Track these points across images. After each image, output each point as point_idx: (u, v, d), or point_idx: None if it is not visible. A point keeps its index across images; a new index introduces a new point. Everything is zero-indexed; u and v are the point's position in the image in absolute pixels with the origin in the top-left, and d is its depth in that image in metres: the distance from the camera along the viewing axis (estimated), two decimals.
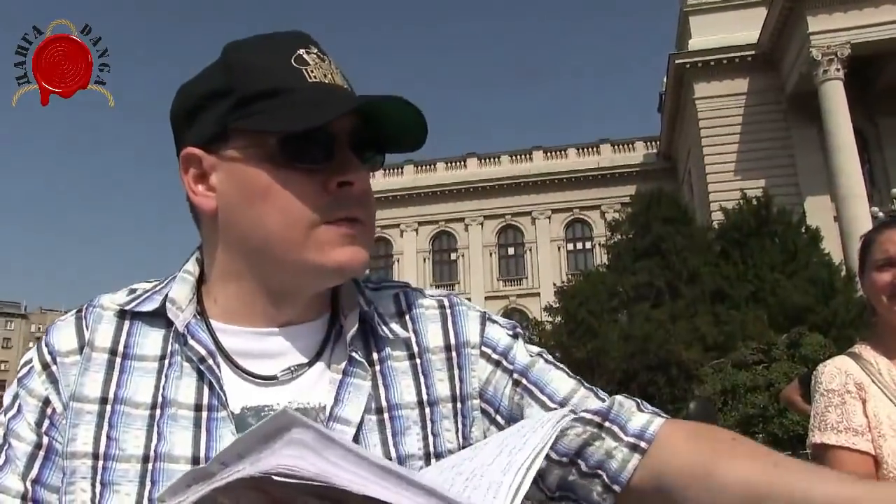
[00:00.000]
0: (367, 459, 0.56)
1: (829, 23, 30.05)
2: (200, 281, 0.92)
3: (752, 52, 34.76)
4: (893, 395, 1.86)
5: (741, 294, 23.22)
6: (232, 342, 0.86)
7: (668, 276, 26.15)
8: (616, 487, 0.84)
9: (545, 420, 0.74)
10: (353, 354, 0.86)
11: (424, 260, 45.02)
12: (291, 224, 0.81)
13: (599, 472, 0.84)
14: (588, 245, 43.49)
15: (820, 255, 24.10)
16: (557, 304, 28.42)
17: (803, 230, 25.44)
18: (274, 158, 0.81)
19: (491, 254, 44.49)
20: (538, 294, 40.39)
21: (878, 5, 29.79)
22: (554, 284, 33.33)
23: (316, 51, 0.85)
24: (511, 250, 44.88)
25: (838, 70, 29.78)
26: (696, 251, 26.36)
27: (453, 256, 45.11)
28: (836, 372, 1.94)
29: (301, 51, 0.83)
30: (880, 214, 20.06)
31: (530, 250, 43.99)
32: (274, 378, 0.85)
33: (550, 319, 28.30)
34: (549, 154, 45.92)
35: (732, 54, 35.07)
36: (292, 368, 0.85)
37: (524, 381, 0.90)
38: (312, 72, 0.82)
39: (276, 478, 0.54)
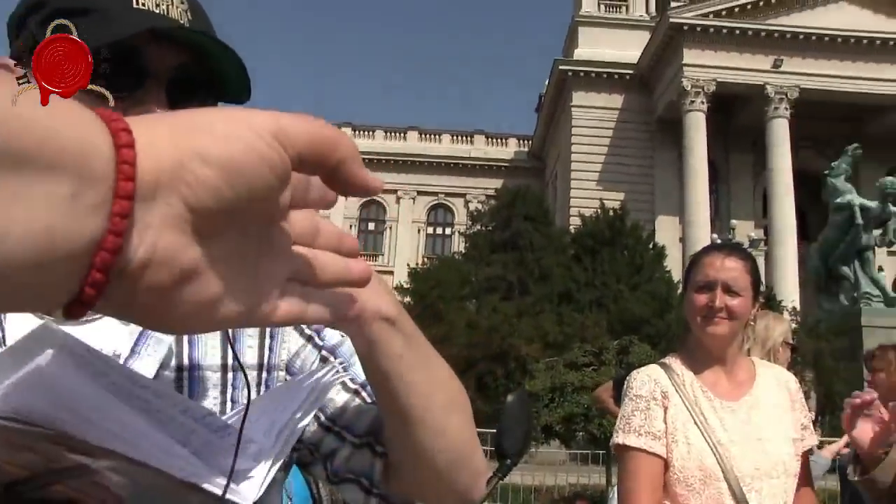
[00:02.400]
0: (128, 391, 0.53)
1: (701, 58, 31.95)
2: None
3: (631, 72, 36.24)
4: (691, 406, 2.01)
5: (586, 298, 24.15)
6: None
7: (521, 272, 26.78)
8: (380, 448, 0.83)
9: (312, 376, 0.71)
10: None
11: None
12: None
13: (369, 438, 0.84)
14: (448, 231, 43.94)
15: (662, 272, 25.47)
16: (410, 286, 28.47)
17: (651, 246, 26.78)
18: None
19: (351, 226, 43.95)
20: (392, 272, 40.24)
21: (741, 52, 32.07)
22: (409, 265, 33.36)
23: None
24: (371, 225, 44.70)
25: (703, 103, 31.71)
26: (550, 252, 27.13)
27: None
28: (646, 379, 2.08)
29: None
30: (718, 241, 21.37)
31: (391, 228, 43.95)
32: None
33: (400, 299, 28.18)
34: (423, 136, 46.03)
35: (612, 70, 36.47)
36: None
37: (331, 358, 0.89)
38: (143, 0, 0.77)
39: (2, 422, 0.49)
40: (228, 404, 0.81)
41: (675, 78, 32.34)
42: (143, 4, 0.78)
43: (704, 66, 31.86)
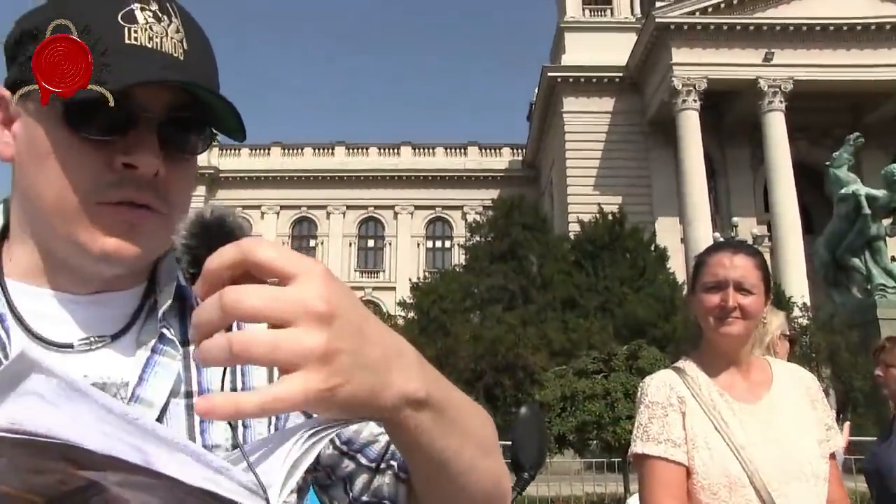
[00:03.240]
0: (115, 413, 0.52)
1: (690, 56, 31.87)
2: (4, 234, 0.83)
3: (620, 75, 36.18)
4: (709, 410, 1.97)
5: (590, 304, 23.97)
6: (27, 303, 0.78)
7: (522, 281, 26.69)
8: (402, 475, 0.84)
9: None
10: (165, 331, 0.80)
11: (283, 244, 43.74)
12: (65, 195, 0.74)
13: (392, 462, 0.84)
14: (448, 244, 43.89)
15: (665, 274, 25.32)
16: (412, 301, 28.31)
17: (653, 248, 26.62)
18: (61, 120, 0.74)
19: (350, 244, 44.05)
20: (394, 288, 40.27)
21: (731, 47, 32.00)
22: (410, 280, 33.24)
23: (155, 8, 0.76)
24: (371, 242, 44.67)
25: (695, 101, 31.61)
26: (550, 259, 27.04)
27: (312, 243, 44.25)
28: (661, 385, 2.04)
29: (135, 5, 0.75)
30: (721, 240, 21.16)
31: (390, 244, 43.88)
32: (69, 346, 0.77)
33: (404, 315, 28.16)
34: (417, 150, 46.12)
35: (601, 74, 36.44)
36: (92, 339, 0.78)
37: None
38: (136, 32, 0.74)
39: (3, 434, 0.48)
40: (240, 428, 0.80)
41: (665, 78, 32.26)
42: (136, 39, 0.73)
43: (694, 64, 31.77)
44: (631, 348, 17.34)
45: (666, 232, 31.94)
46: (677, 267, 26.96)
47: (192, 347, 0.81)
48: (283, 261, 0.53)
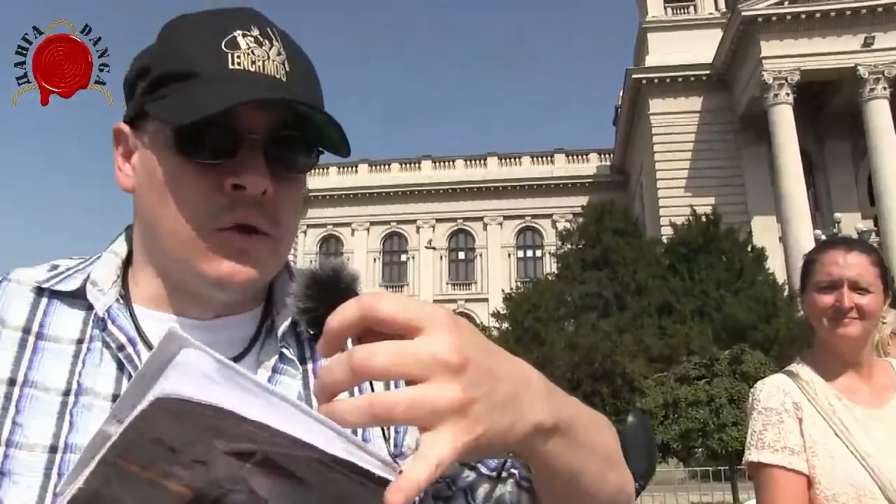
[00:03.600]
0: (261, 387, 0.52)
1: (780, 48, 30.70)
2: (128, 261, 0.88)
3: (707, 72, 35.35)
4: (827, 416, 1.86)
5: (687, 308, 23.53)
6: (155, 329, 0.81)
7: (616, 288, 26.43)
8: (524, 483, 0.84)
9: None
10: (284, 351, 0.83)
11: (375, 260, 44.70)
12: (180, 221, 0.78)
13: (513, 470, 0.84)
14: (538, 253, 43.63)
15: (764, 275, 24.59)
16: (505, 311, 28.41)
17: (749, 249, 25.90)
18: (173, 148, 0.77)
19: (441, 257, 44.33)
20: (487, 300, 40.37)
21: (825, 36, 30.51)
22: (503, 291, 33.32)
23: (256, 34, 0.79)
24: (461, 255, 44.82)
25: (788, 95, 30.40)
26: (644, 264, 26.67)
27: (403, 258, 44.85)
28: (774, 390, 1.95)
29: (237, 32, 0.78)
30: (823, 237, 20.44)
31: (480, 255, 43.97)
32: None
33: (498, 325, 28.30)
34: (503, 160, 46.11)
35: (687, 73, 35.63)
36: None
37: None
38: (238, 58, 0.77)
39: (161, 397, 0.48)
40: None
41: (755, 73, 31.26)
42: (239, 63, 0.77)
43: (785, 56, 30.61)
44: (733, 352, 16.96)
45: (762, 231, 30.95)
46: (776, 267, 26.13)
47: (310, 365, 0.85)
48: (406, 313, 0.52)
